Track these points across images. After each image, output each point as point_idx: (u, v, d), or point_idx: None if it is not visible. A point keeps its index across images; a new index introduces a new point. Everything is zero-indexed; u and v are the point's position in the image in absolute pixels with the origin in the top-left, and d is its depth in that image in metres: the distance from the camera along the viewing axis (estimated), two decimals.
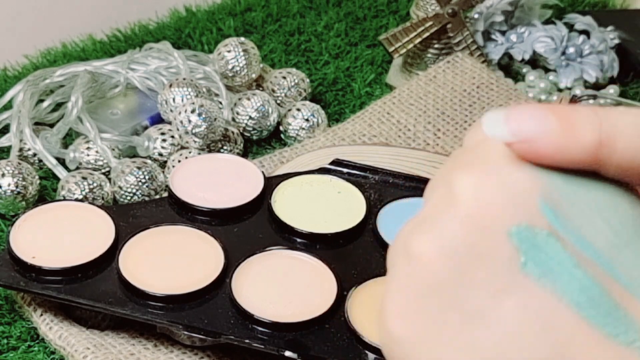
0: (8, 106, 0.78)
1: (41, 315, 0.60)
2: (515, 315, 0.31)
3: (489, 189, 0.32)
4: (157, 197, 0.70)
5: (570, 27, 0.89)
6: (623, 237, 0.32)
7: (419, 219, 0.34)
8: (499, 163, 0.33)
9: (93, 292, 0.58)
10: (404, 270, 0.33)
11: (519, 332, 0.31)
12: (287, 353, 0.55)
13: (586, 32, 0.89)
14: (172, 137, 0.74)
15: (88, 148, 0.73)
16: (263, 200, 0.66)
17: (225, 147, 0.75)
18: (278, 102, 0.81)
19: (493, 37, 0.88)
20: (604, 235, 0.32)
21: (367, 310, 0.58)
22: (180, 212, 0.65)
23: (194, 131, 0.72)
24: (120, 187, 0.70)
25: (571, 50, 0.87)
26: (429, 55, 0.85)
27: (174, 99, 0.75)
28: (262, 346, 0.56)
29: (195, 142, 0.73)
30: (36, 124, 0.76)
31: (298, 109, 0.78)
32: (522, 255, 0.32)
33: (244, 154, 0.77)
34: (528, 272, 0.31)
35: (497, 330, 0.31)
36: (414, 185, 0.68)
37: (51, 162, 0.72)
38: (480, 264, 0.32)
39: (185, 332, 0.57)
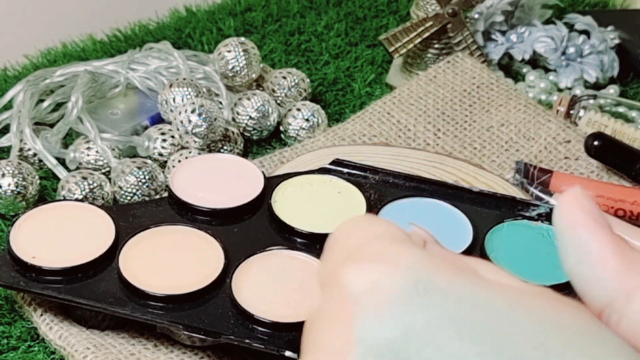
0: (8, 106, 0.77)
1: (41, 315, 0.60)
2: None
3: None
4: (157, 197, 0.70)
5: (571, 27, 0.89)
6: None
7: None
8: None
9: (93, 292, 0.58)
10: None
11: None
12: (288, 353, 0.55)
13: (586, 32, 0.89)
14: (172, 137, 0.74)
15: (88, 148, 0.73)
16: (263, 200, 0.66)
17: (225, 147, 0.75)
18: (278, 102, 0.81)
19: (493, 37, 0.88)
20: None
21: None
22: (181, 212, 0.65)
23: (194, 131, 0.72)
24: (120, 187, 0.70)
25: (571, 50, 0.87)
26: (429, 55, 0.85)
27: (174, 99, 0.75)
28: (263, 346, 0.55)
29: (195, 142, 0.73)
30: (36, 124, 0.76)
31: (298, 109, 0.78)
32: None
33: (244, 154, 0.77)
34: None
35: None
36: (414, 185, 0.68)
37: (51, 162, 0.72)
38: None
39: (185, 332, 0.57)
